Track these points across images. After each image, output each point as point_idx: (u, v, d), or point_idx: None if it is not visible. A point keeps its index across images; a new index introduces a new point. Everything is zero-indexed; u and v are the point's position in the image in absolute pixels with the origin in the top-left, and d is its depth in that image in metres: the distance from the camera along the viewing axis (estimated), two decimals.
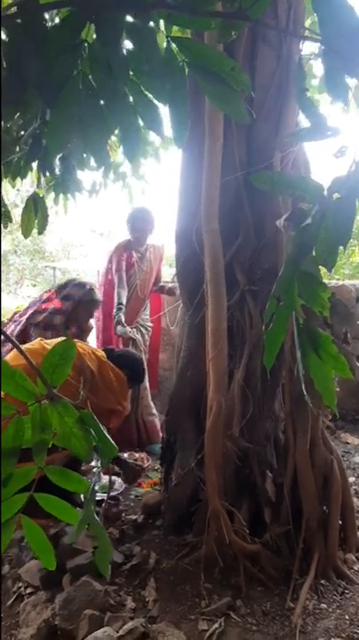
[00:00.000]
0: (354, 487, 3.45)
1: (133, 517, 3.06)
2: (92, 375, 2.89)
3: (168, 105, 1.44)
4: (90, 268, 15.95)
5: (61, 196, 4.17)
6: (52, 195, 4.10)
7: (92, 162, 4.22)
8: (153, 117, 1.50)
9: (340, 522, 2.74)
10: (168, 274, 5.53)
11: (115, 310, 3.99)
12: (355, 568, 2.69)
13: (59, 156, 3.66)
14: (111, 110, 1.45)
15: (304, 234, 1.42)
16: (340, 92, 1.44)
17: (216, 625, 2.20)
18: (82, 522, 1.09)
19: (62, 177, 3.88)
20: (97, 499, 3.11)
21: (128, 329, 3.99)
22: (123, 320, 3.92)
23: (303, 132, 1.40)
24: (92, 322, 3.99)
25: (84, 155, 3.81)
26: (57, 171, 3.74)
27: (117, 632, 2.08)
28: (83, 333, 3.80)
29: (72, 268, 18.42)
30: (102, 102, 1.47)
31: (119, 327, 3.90)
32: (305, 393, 1.62)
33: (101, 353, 3.12)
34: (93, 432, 1.19)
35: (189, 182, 2.91)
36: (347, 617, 2.30)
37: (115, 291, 4.05)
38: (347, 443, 4.38)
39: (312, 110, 1.32)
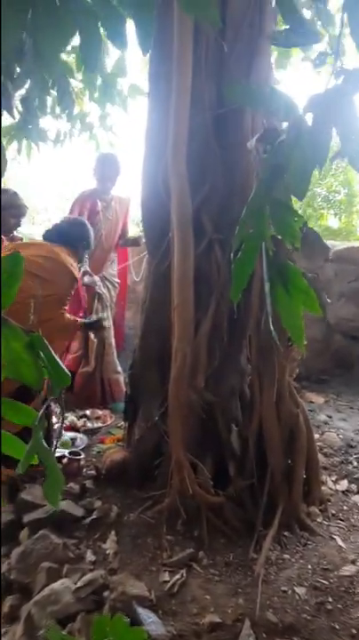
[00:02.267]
0: (318, 444, 3.44)
1: (95, 473, 2.98)
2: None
3: (133, 11, 1.30)
4: None
5: (24, 145, 3.98)
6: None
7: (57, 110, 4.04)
8: (116, 27, 1.37)
9: (305, 475, 2.72)
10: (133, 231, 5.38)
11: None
12: (318, 520, 2.68)
13: (19, 97, 3.46)
14: (68, 11, 1.30)
15: (277, 153, 1.31)
16: None
17: (177, 576, 2.16)
18: (29, 452, 0.99)
19: (24, 121, 3.68)
20: (57, 454, 3.03)
21: (96, 278, 3.82)
22: (88, 269, 3.76)
23: (285, 35, 1.28)
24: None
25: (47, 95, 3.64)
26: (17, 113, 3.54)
27: (76, 584, 2.02)
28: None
29: (38, 234, 17.93)
30: (58, 2, 1.33)
31: (86, 277, 3.74)
32: (272, 330, 1.54)
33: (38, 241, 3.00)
34: (44, 357, 1.07)
35: (157, 123, 2.76)
36: (309, 566, 2.29)
37: None
38: (312, 402, 4.38)
39: (293, 14, 1.20)
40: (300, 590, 2.13)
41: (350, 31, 1.15)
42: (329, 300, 1.58)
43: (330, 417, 4.09)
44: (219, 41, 2.60)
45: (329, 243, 4.74)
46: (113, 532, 2.43)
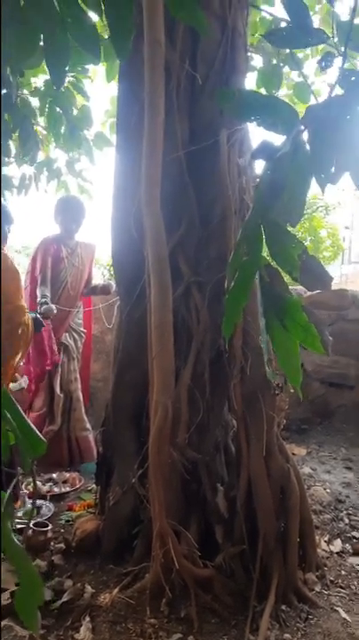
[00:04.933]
0: None
1: (64, 546, 2.65)
2: None
3: (105, 11, 1.14)
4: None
5: None
6: None
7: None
8: (85, 32, 1.20)
9: (298, 538, 2.46)
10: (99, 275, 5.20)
11: (39, 300, 3.55)
12: (317, 589, 2.42)
13: None
14: (32, 8, 1.13)
15: (275, 170, 1.14)
16: None
17: None
18: None
19: None
20: (19, 526, 2.70)
21: (53, 306, 3.54)
22: (48, 299, 3.49)
23: (287, 34, 1.13)
24: None
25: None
26: None
27: None
28: None
29: None
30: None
31: (44, 306, 3.46)
32: (267, 369, 1.34)
33: None
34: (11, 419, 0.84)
35: (127, 163, 2.61)
36: None
37: (38, 289, 3.64)
38: (294, 454, 4.14)
39: (297, 3, 1.05)
40: None
41: None
42: (331, 338, 1.39)
43: (314, 469, 3.86)
44: (191, 77, 2.50)
45: (300, 289, 4.65)
46: (87, 618, 2.11)
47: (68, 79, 3.55)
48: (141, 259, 2.46)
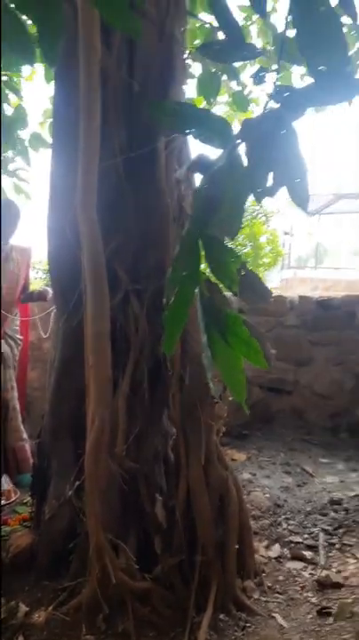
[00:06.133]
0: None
1: None
2: None
3: (33, 15, 1.10)
4: None
5: None
6: None
7: None
8: (17, 35, 1.15)
9: (237, 545, 2.47)
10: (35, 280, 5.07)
11: None
12: (255, 596, 2.43)
13: None
14: None
15: (212, 184, 1.13)
16: None
17: None
18: None
19: None
20: None
21: None
22: None
23: (221, 48, 1.12)
24: None
25: None
26: None
27: None
28: None
29: None
30: None
31: None
32: (210, 384, 1.33)
33: None
34: None
35: (64, 167, 2.55)
36: None
37: None
38: (234, 459, 4.18)
39: (231, 26, 1.05)
40: None
41: (296, 36, 1.01)
42: (273, 351, 1.39)
43: (254, 475, 3.90)
44: (128, 83, 2.47)
45: None
46: (21, 638, 2.04)
47: (3, 79, 3.46)
48: (78, 265, 2.41)
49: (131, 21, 1.06)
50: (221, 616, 2.24)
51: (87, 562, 2.21)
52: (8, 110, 3.66)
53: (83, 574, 2.25)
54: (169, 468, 2.55)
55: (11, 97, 3.86)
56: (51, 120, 3.60)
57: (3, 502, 3.31)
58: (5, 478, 3.50)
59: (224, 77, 3.68)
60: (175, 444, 2.48)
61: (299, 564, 2.73)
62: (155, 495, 2.43)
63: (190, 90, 4.03)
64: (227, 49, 1.10)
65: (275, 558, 2.79)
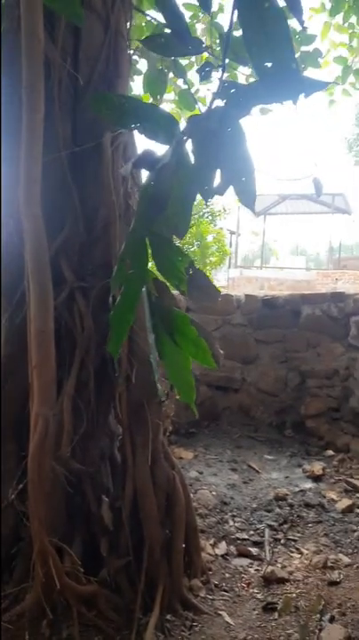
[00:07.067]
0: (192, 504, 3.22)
1: None
2: None
3: None
4: None
5: None
6: None
7: None
8: None
9: (184, 544, 2.46)
10: None
11: None
12: (202, 594, 2.43)
13: None
14: None
15: (158, 181, 1.11)
16: None
17: None
18: None
19: None
20: None
21: None
22: None
23: (162, 39, 1.10)
24: None
25: None
26: None
27: None
28: None
29: None
30: None
31: None
32: (158, 385, 1.31)
33: None
34: None
35: (6, 159, 2.46)
36: None
37: None
38: (181, 457, 4.17)
39: (174, 12, 1.03)
40: None
41: (242, 33, 1.00)
42: (222, 351, 1.39)
43: (201, 473, 3.91)
44: (73, 76, 2.42)
45: None
46: None
47: None
48: (21, 261, 2.33)
49: (73, 6, 1.02)
50: (168, 616, 2.23)
51: (31, 567, 2.15)
52: None
53: (27, 580, 2.19)
54: (115, 469, 2.52)
55: None
56: None
57: None
58: None
59: (171, 75, 3.66)
60: (122, 445, 2.45)
61: (245, 561, 2.76)
62: (102, 496, 2.39)
63: (137, 87, 3.99)
64: (173, 42, 1.08)
65: (222, 556, 2.80)
